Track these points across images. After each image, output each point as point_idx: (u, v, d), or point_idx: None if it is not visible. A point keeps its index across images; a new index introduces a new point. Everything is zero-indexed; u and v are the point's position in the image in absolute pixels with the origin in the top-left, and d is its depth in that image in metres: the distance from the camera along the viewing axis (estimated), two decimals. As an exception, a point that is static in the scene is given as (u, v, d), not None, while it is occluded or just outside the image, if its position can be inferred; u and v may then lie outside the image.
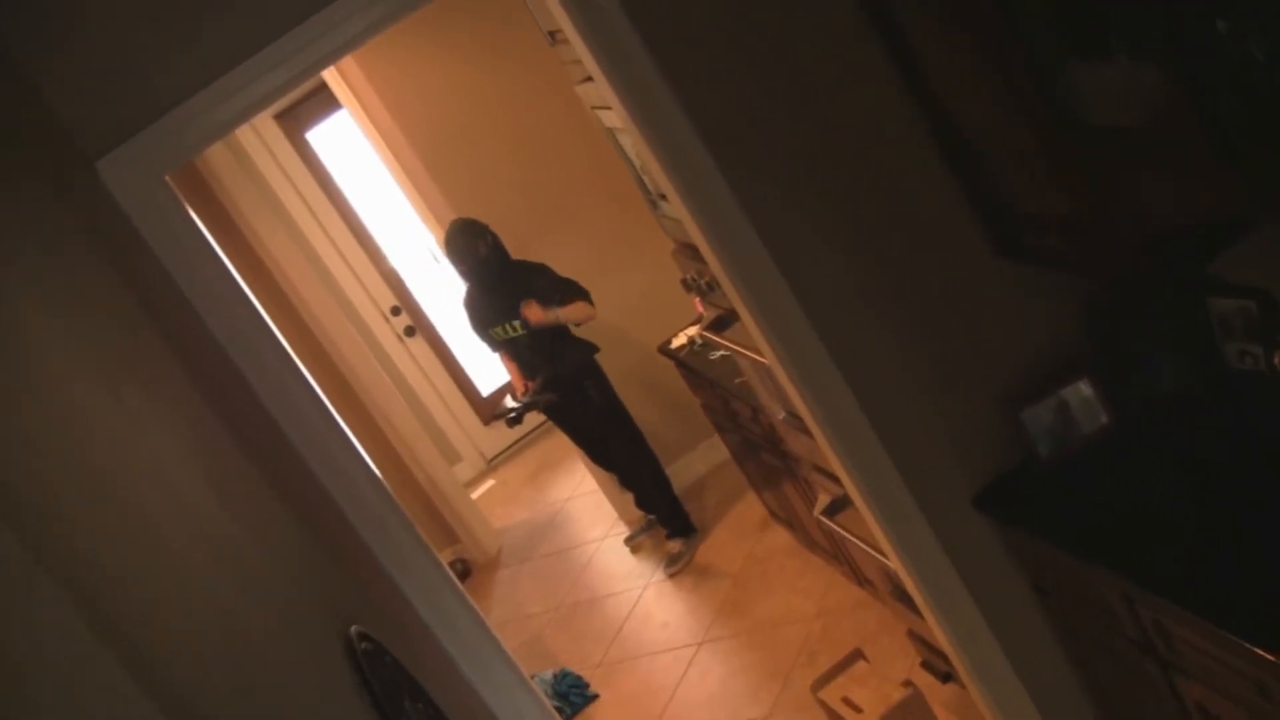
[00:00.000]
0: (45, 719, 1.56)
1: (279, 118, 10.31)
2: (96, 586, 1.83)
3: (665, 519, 8.44)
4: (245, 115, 4.02)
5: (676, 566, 8.22)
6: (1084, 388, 4.36)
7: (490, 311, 8.04)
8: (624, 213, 8.13)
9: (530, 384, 8.16)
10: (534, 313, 7.79)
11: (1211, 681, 3.74)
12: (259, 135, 10.14)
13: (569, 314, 7.84)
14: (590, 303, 7.86)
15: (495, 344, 8.25)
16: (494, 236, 7.83)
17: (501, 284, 7.89)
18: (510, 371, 8.44)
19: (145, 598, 2.06)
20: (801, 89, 4.20)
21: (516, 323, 7.93)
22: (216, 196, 8.54)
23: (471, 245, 7.77)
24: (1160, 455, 4.20)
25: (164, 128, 3.82)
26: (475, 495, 10.77)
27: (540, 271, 7.93)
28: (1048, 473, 4.40)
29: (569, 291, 7.86)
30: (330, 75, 8.36)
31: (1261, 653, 3.32)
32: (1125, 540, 3.96)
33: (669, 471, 8.57)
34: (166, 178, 3.91)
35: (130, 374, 2.98)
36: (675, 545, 8.36)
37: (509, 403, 8.36)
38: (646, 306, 8.44)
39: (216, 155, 8.37)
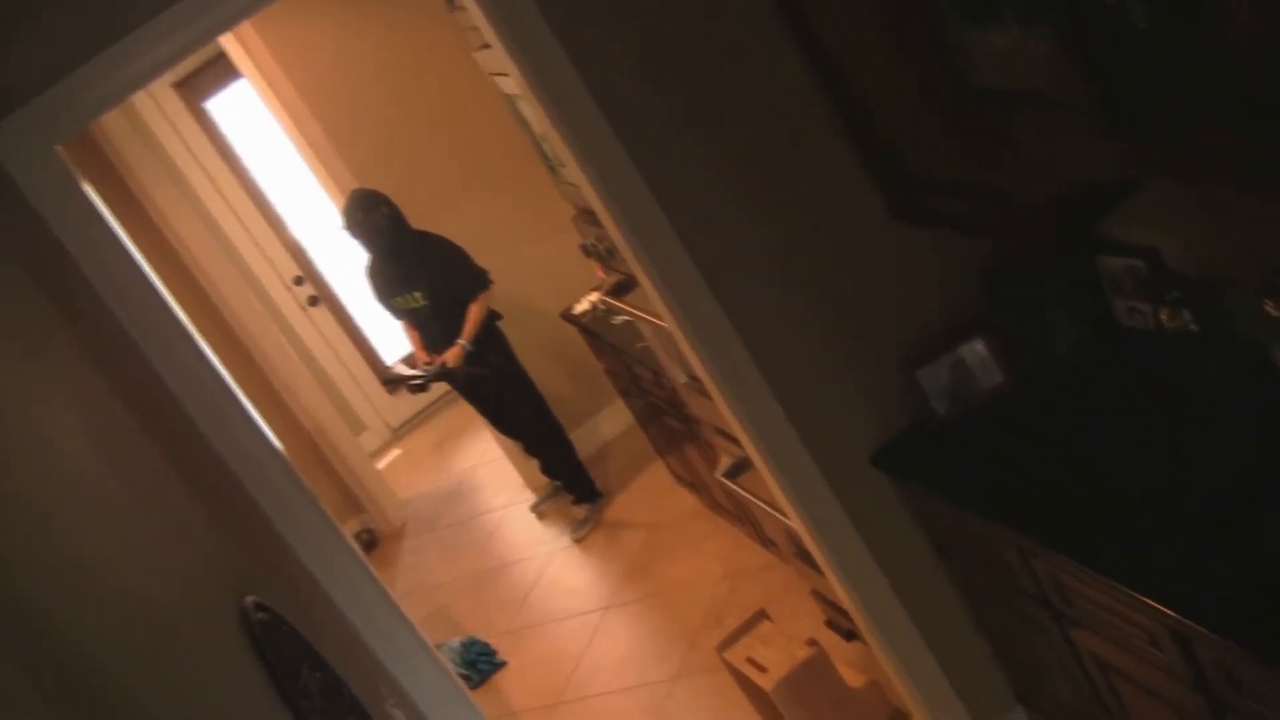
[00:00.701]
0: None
1: (177, 87, 10.21)
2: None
3: (570, 484, 8.45)
4: (139, 83, 3.99)
5: (582, 532, 8.24)
6: (979, 347, 4.40)
7: (392, 281, 7.99)
8: (525, 179, 8.10)
9: (433, 354, 8.09)
10: (454, 356, 7.90)
11: (1105, 632, 3.79)
12: (158, 105, 10.03)
13: (474, 326, 7.90)
14: (485, 289, 7.91)
15: (397, 313, 8.20)
16: (392, 206, 7.79)
17: (400, 254, 7.85)
18: (411, 340, 8.38)
19: (36, 569, 2.05)
20: (698, 53, 4.19)
21: (418, 293, 7.90)
22: (115, 168, 8.46)
23: (369, 216, 7.73)
24: (1054, 412, 4.24)
25: (54, 97, 3.75)
26: (381, 465, 10.74)
27: (439, 248, 7.92)
28: (945, 431, 4.44)
29: (469, 285, 7.90)
30: (229, 43, 8.28)
31: (1153, 603, 3.37)
32: (1021, 496, 4.00)
33: (573, 437, 8.57)
34: (57, 148, 3.85)
35: (19, 342, 2.96)
36: (580, 511, 8.38)
37: (403, 370, 8.32)
38: (549, 273, 8.42)
39: (114, 126, 8.29)
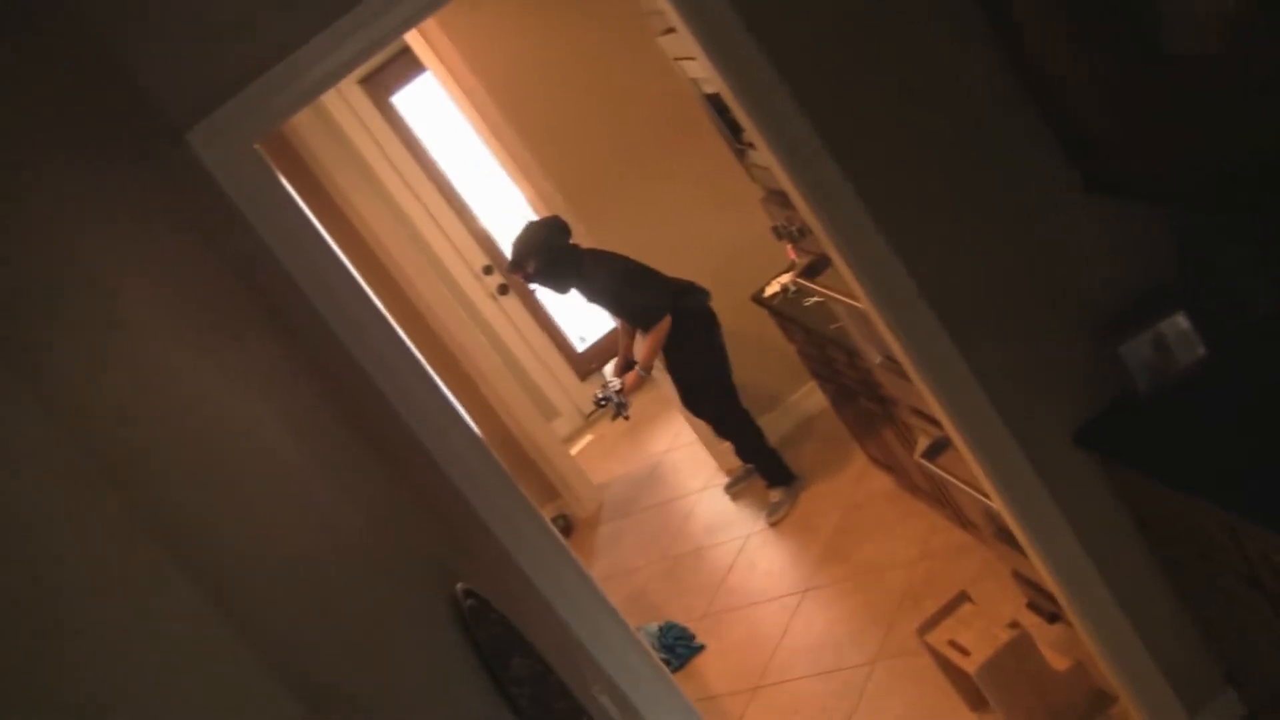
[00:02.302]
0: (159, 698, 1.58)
1: (364, 83, 10.35)
2: (203, 557, 1.84)
3: (763, 469, 8.40)
4: (329, 81, 4.04)
5: (778, 515, 8.19)
6: (1180, 320, 4.32)
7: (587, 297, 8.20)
8: (711, 163, 8.09)
9: (621, 373, 8.37)
10: (631, 385, 8.15)
11: (1322, 613, 3.71)
12: (345, 101, 10.19)
13: (650, 356, 8.02)
14: (659, 321, 7.94)
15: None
16: (549, 247, 7.91)
17: (581, 280, 8.02)
18: (621, 346, 8.56)
19: (252, 567, 2.08)
20: (886, 29, 4.17)
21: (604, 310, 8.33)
22: (306, 163, 8.60)
23: (543, 258, 7.88)
24: (1260, 385, 4.14)
25: (250, 96, 3.85)
26: (574, 451, 10.80)
27: (613, 275, 7.99)
28: (1147, 407, 4.36)
29: (643, 316, 7.99)
30: (413, 38, 8.37)
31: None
32: (1230, 473, 3.91)
33: (766, 420, 8.54)
34: (256, 145, 3.93)
35: (225, 341, 3.00)
36: (776, 494, 8.32)
37: (609, 388, 8.37)
38: (738, 256, 8.42)
39: (304, 122, 8.43)
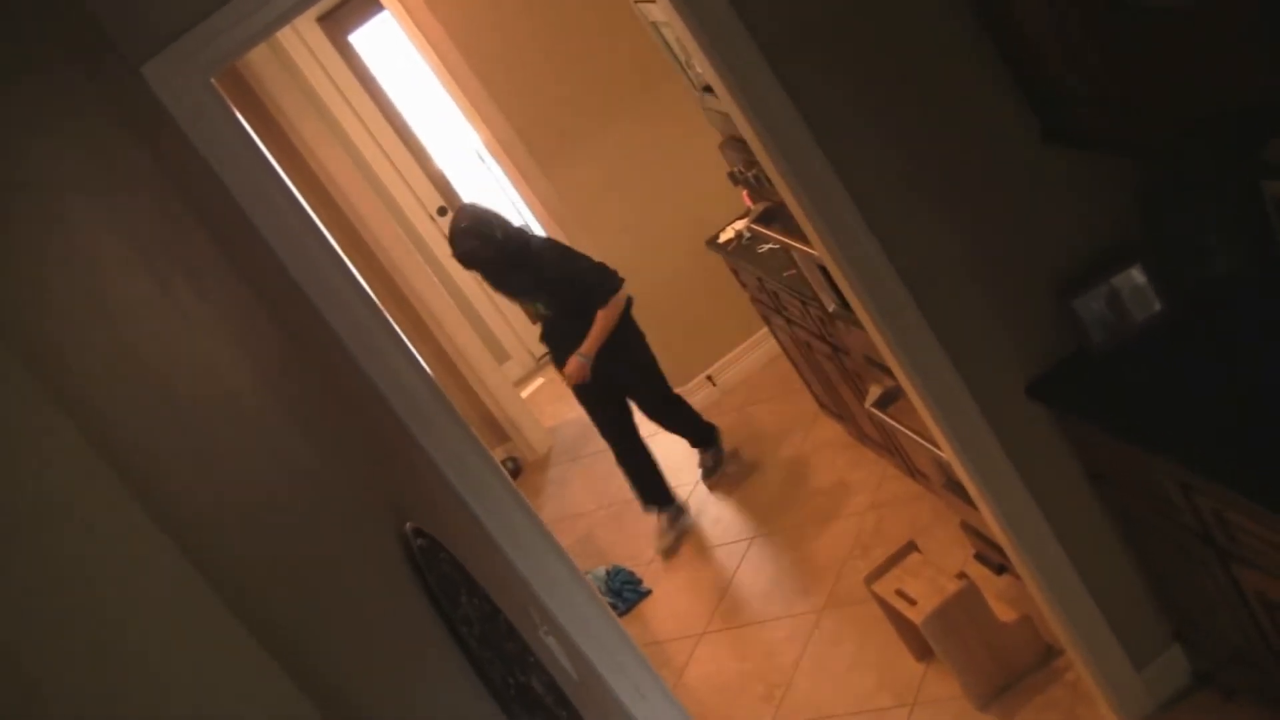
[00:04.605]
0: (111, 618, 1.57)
1: (321, 20, 10.28)
2: (150, 482, 1.83)
3: (691, 435, 8.27)
4: (287, 16, 4.01)
5: (714, 476, 8.25)
6: (1136, 274, 4.32)
7: (514, 290, 7.75)
8: (669, 108, 8.09)
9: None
10: (575, 372, 7.59)
11: (1272, 569, 3.72)
12: (302, 39, 10.11)
13: (599, 337, 7.52)
14: (614, 292, 7.50)
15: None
16: (501, 228, 7.39)
17: (519, 268, 7.45)
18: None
19: (202, 492, 2.07)
20: (848, -23, 4.15)
21: (539, 304, 7.72)
22: (262, 101, 8.55)
23: (485, 246, 7.33)
24: (1215, 341, 4.16)
25: (206, 30, 3.82)
26: (525, 394, 10.80)
27: (555, 262, 7.53)
28: (1102, 361, 4.37)
29: (597, 291, 7.49)
30: (372, -25, 8.32)
31: (1322, 539, 3.30)
32: (1182, 427, 3.92)
33: (717, 368, 8.56)
34: (212, 80, 3.90)
35: (182, 273, 2.98)
36: (706, 457, 8.33)
37: None
38: (693, 201, 8.40)
39: (261, 60, 8.37)
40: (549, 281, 7.48)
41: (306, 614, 2.10)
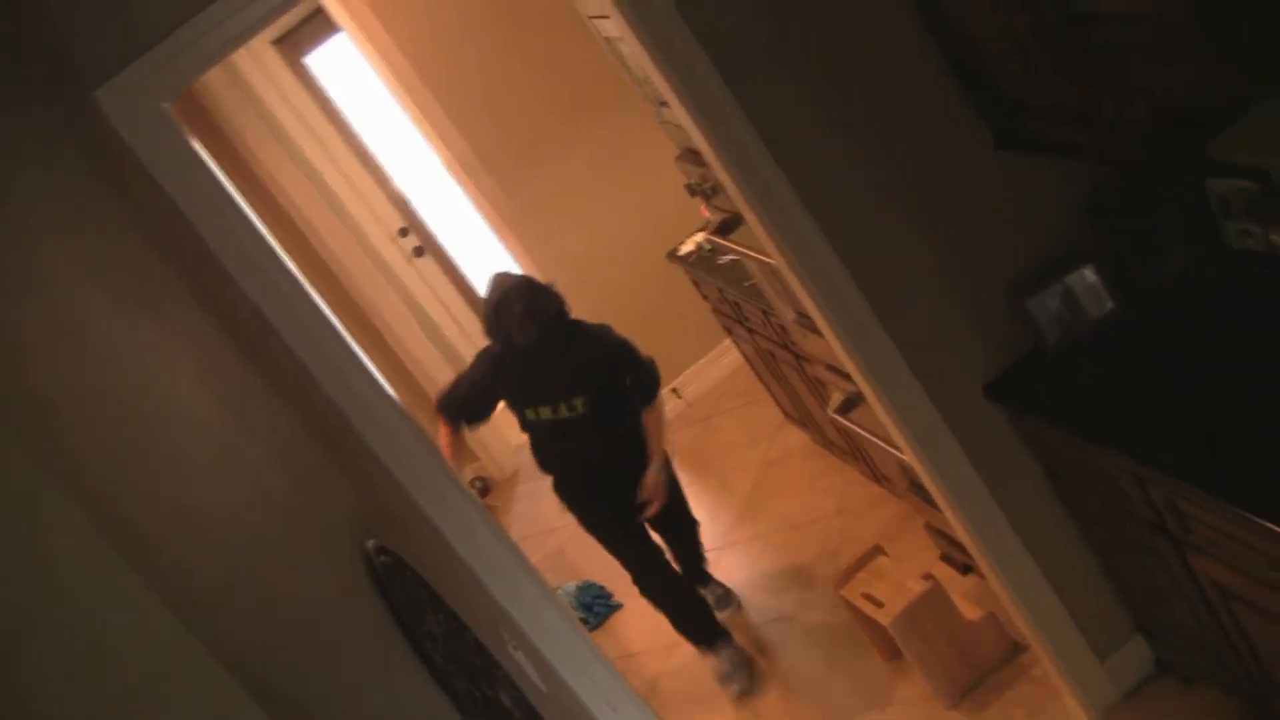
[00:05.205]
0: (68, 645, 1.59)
1: (277, 43, 10.24)
2: (114, 508, 1.85)
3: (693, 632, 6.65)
4: (240, 39, 4.01)
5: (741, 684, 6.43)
6: (1089, 274, 4.37)
7: (540, 387, 6.23)
8: (629, 122, 8.11)
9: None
10: (656, 488, 6.27)
11: (1225, 558, 3.77)
12: (258, 61, 10.09)
13: (662, 438, 6.32)
14: (659, 387, 6.27)
15: (525, 424, 6.50)
16: (557, 294, 6.06)
17: (564, 352, 6.09)
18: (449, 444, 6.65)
19: (161, 512, 2.08)
20: (797, -13, 4.18)
21: (578, 400, 6.08)
22: (219, 126, 8.55)
23: (541, 300, 5.91)
24: (1167, 337, 4.21)
25: (159, 55, 3.79)
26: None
27: (606, 342, 6.17)
28: (1056, 360, 4.42)
29: (648, 387, 6.19)
30: (327, -3, 8.33)
31: (1274, 527, 3.34)
32: (1135, 423, 3.98)
33: (683, 380, 8.58)
34: (166, 105, 3.90)
35: (135, 299, 2.99)
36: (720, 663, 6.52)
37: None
38: (653, 215, 8.41)
39: (218, 85, 8.37)
40: (601, 365, 6.13)
41: (264, 629, 2.12)
